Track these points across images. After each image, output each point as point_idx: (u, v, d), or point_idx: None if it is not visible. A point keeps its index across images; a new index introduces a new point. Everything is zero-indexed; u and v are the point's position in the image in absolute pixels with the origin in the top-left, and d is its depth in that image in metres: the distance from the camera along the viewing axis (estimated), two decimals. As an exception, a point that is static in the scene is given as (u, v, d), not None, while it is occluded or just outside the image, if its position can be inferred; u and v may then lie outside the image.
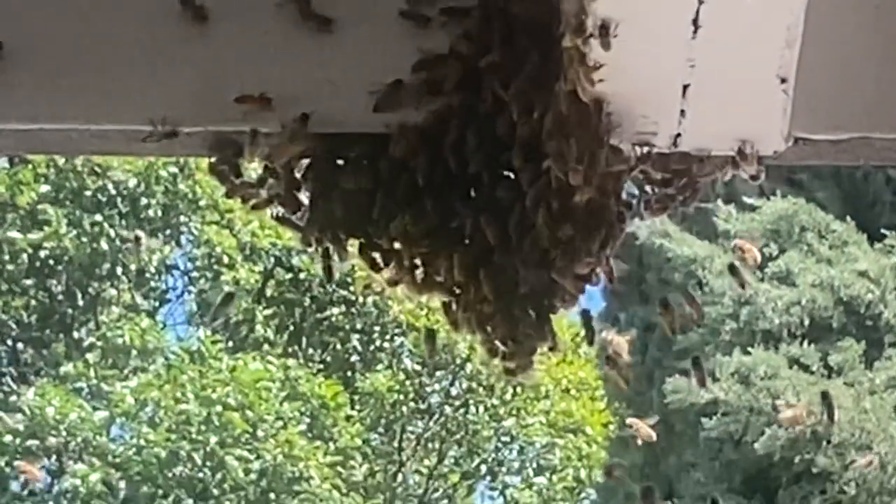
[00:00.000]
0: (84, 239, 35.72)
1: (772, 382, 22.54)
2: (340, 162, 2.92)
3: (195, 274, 37.79)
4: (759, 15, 2.67)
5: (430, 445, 36.57)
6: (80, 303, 36.14)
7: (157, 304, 37.78)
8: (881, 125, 2.92)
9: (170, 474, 33.47)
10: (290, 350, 35.55)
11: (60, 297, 36.33)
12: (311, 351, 35.93)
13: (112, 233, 36.04)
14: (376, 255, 2.93)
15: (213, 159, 3.03)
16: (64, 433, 34.01)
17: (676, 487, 22.67)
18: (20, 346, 36.88)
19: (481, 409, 36.09)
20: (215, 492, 33.66)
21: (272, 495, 33.88)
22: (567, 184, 2.74)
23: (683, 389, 23.04)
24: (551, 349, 2.75)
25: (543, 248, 2.78)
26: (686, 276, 22.60)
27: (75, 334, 35.79)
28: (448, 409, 36.46)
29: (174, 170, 32.73)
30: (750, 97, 2.74)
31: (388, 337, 35.55)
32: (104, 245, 35.51)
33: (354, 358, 35.98)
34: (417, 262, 2.87)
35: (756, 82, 2.71)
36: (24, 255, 35.55)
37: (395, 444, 36.30)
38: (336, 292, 34.86)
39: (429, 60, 3.06)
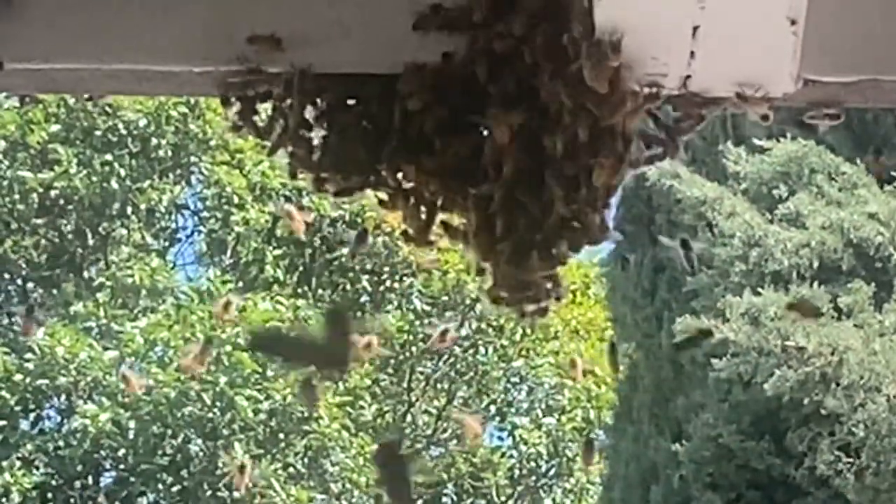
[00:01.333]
0: (94, 179, 35.54)
1: (781, 323, 23.00)
2: (351, 102, 2.90)
3: (205, 214, 37.58)
4: None
5: (438, 386, 36.35)
6: (91, 242, 35.99)
7: (167, 243, 37.65)
8: (891, 67, 2.91)
9: (179, 414, 33.32)
10: (299, 290, 35.31)
11: (70, 236, 36.20)
12: (320, 291, 35.70)
13: (122, 172, 35.91)
14: (386, 198, 2.97)
15: (226, 98, 3.00)
16: (74, 373, 33.89)
17: (685, 428, 22.59)
18: (30, 285, 36.69)
19: (490, 349, 35.91)
20: (224, 432, 33.53)
21: (281, 435, 33.68)
22: (577, 125, 2.75)
23: (692, 330, 23.02)
24: (555, 300, 2.76)
25: (555, 190, 2.79)
26: (696, 217, 22.49)
27: (85, 274, 35.63)
28: (457, 350, 36.20)
29: (184, 110, 32.76)
30: (760, 39, 2.72)
31: (397, 278, 35.33)
32: (114, 185, 35.30)
33: (364, 299, 35.76)
34: (425, 206, 2.90)
35: (766, 24, 2.69)
36: (35, 195, 35.35)
37: (405, 384, 36.05)
38: (346, 233, 34.75)
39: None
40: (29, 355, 34.37)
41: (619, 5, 2.70)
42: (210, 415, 33.33)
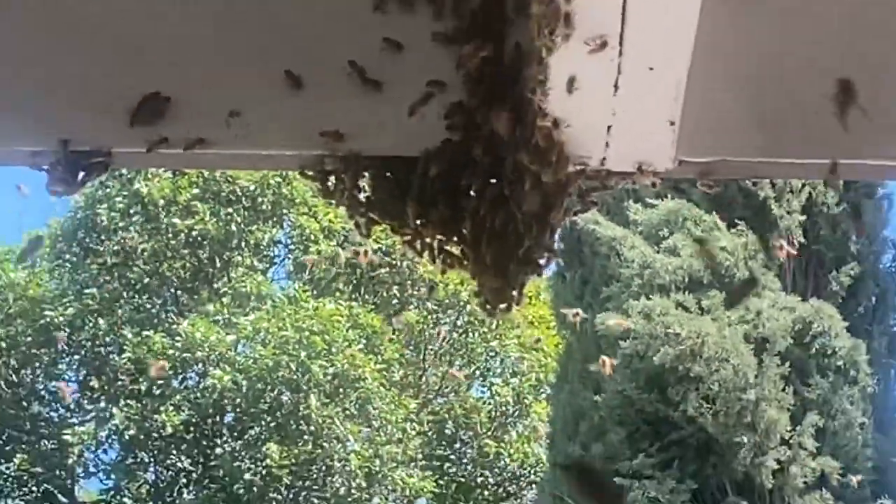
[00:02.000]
0: (221, 224, 35.58)
1: (664, 318, 22.07)
2: (388, 175, 2.89)
3: (292, 246, 37.54)
4: (657, 77, 2.70)
5: (442, 358, 36.69)
6: (218, 265, 35.77)
7: (267, 266, 37.36)
8: (734, 151, 2.93)
9: (275, 376, 33.33)
10: (353, 295, 35.64)
11: (205, 261, 36.05)
12: (367, 296, 36.01)
13: (238, 220, 35.95)
14: (409, 237, 2.90)
15: (306, 172, 3.16)
16: (206, 349, 33.79)
17: (602, 385, 22.43)
18: (179, 292, 36.44)
19: (476, 334, 36.15)
20: (304, 388, 33.57)
21: (341, 390, 33.74)
22: (534, 190, 2.80)
23: (607, 323, 23.31)
24: (517, 304, 2.87)
25: (520, 232, 2.83)
26: (609, 248, 22.58)
27: (215, 285, 35.45)
28: (455, 335, 36.61)
29: (279, 178, 32.72)
30: (651, 134, 2.79)
31: (416, 288, 35.51)
32: (233, 228, 35.60)
33: (394, 301, 36.04)
34: (434, 242, 2.87)
35: (654, 125, 2.78)
36: (182, 235, 35.23)
37: (421, 357, 36.24)
38: (384, 259, 35.15)
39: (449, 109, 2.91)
40: (178, 338, 34.22)
41: (561, 110, 2.74)
42: (294, 376, 33.31)
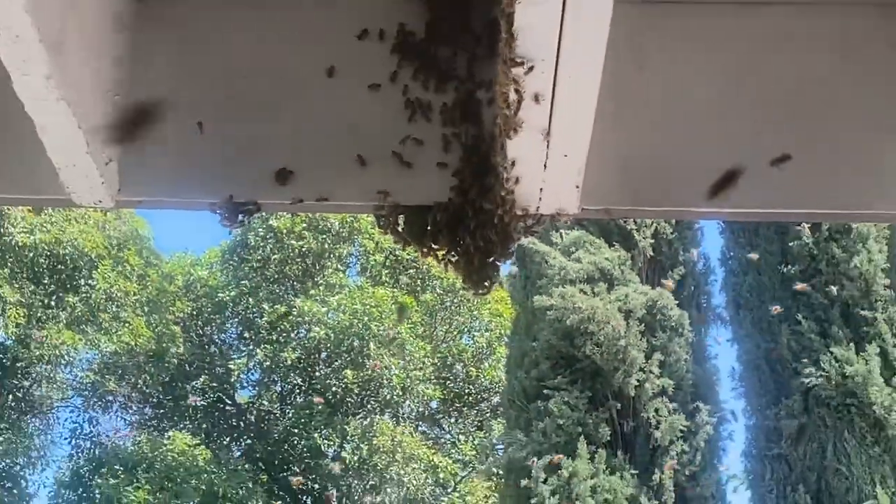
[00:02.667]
0: (319, 243, 35.03)
1: (572, 299, 22.15)
2: (412, 216, 2.72)
3: (359, 256, 36.71)
4: (570, 161, 2.63)
5: (443, 322, 36.13)
6: (317, 267, 35.19)
7: (345, 267, 36.06)
8: (613, 203, 2.81)
9: (349, 332, 32.93)
10: (394, 284, 34.90)
11: (310, 265, 35.21)
12: (402, 285, 35.29)
13: (327, 244, 35.49)
14: (425, 252, 2.73)
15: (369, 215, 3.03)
16: (310, 316, 33.97)
17: (538, 337, 22.23)
18: (295, 283, 36.00)
19: (464, 307, 35.56)
20: (366, 338, 33.15)
21: (387, 339, 33.46)
22: (499, 226, 2.69)
23: (541, 302, 23.44)
24: (489, 290, 2.83)
25: (491, 249, 2.73)
26: (540, 258, 22.18)
27: (315, 279, 34.84)
28: (452, 307, 36.15)
29: (352, 217, 32.46)
30: (565, 193, 2.69)
31: (431, 280, 34.79)
32: (326, 245, 35.19)
33: (418, 287, 35.43)
34: (440, 255, 2.72)
35: (567, 188, 2.67)
36: (296, 250, 35.24)
37: (433, 319, 35.62)
38: (412, 263, 34.77)
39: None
40: (294, 309, 33.92)
41: (513, 178, 2.69)
42: (360, 332, 32.86)
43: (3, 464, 31.99)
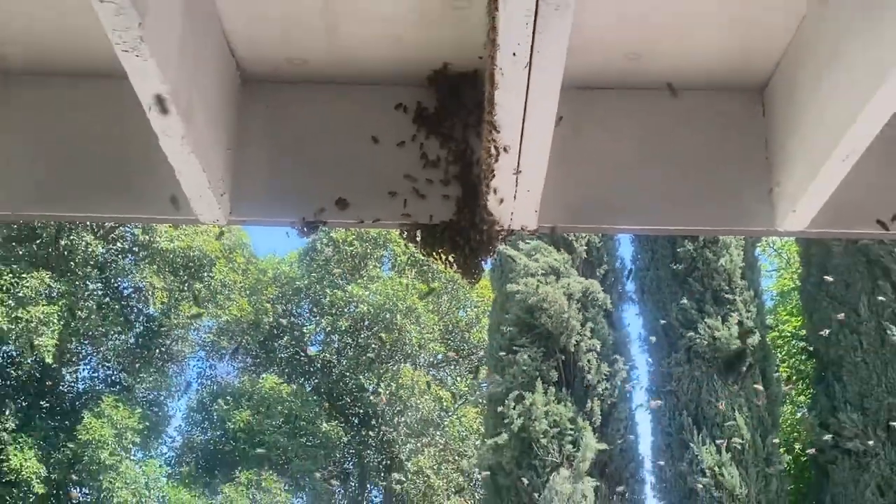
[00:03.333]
0: (363, 246, 34.56)
1: (533, 287, 22.10)
2: (427, 232, 2.70)
3: (390, 256, 35.91)
4: (531, 195, 2.54)
5: (446, 301, 35.53)
6: (361, 264, 35.20)
7: (380, 265, 35.43)
8: (561, 221, 2.73)
9: (384, 308, 32.58)
10: (413, 275, 34.32)
11: (357, 261, 34.88)
12: (418, 275, 34.63)
13: (369, 245, 34.99)
14: (434, 257, 2.69)
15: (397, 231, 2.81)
16: (356, 297, 33.48)
17: (508, 311, 22.59)
18: (347, 274, 35.84)
19: (460, 292, 34.81)
20: (394, 311, 32.94)
21: (409, 312, 33.20)
22: (483, 236, 2.66)
23: (509, 289, 22.93)
24: (478, 279, 2.76)
25: (479, 251, 2.69)
26: (510, 259, 21.78)
27: (360, 272, 34.45)
28: (449, 291, 35.58)
29: (386, 231, 32.37)
30: (528, 214, 2.57)
31: (440, 273, 34.15)
32: (367, 249, 34.71)
33: (430, 277, 34.90)
34: (443, 257, 2.67)
35: (528, 210, 2.57)
36: (348, 251, 35.36)
37: (439, 300, 35.13)
38: (425, 263, 34.20)
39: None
40: (346, 291, 33.60)
41: (491, 203, 2.61)
42: (392, 308, 32.70)
43: (152, 395, 32.06)
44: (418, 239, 2.75)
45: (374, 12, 2.50)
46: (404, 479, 34.54)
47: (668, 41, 2.60)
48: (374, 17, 2.51)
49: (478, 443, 30.65)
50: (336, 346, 35.84)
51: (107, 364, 31.48)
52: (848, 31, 2.26)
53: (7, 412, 26.62)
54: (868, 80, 2.18)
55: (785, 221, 2.65)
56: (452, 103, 2.72)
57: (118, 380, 30.96)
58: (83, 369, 31.69)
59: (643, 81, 2.72)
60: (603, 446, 21.13)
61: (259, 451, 30.77)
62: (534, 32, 1.99)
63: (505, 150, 2.36)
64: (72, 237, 28.07)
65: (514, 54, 2.05)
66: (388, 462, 35.85)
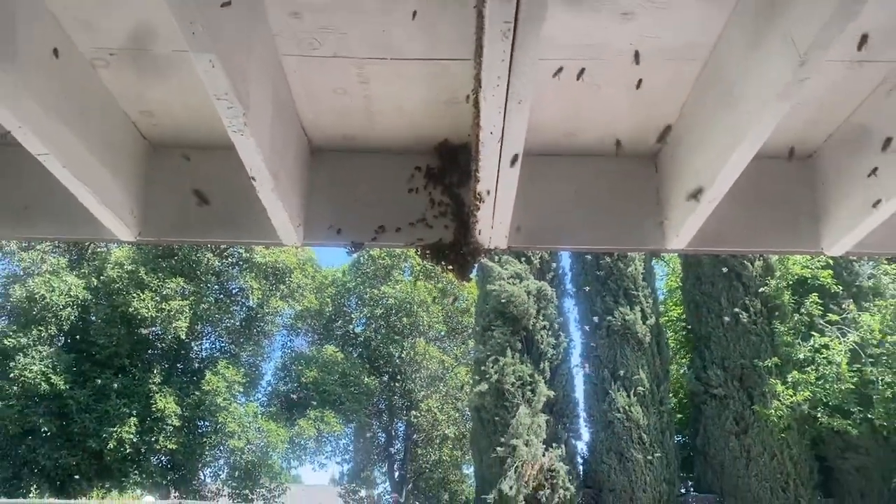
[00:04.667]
0: (389, 259, 34.32)
1: (506, 287, 22.49)
2: (431, 251, 2.63)
3: (410, 268, 35.90)
4: (505, 225, 2.48)
5: (447, 296, 35.15)
6: (390, 276, 35.17)
7: (403, 273, 36.19)
8: (522, 243, 2.64)
9: (406, 303, 32.24)
10: (426, 281, 34.03)
11: (387, 271, 35.52)
12: (429, 281, 34.40)
13: (393, 259, 34.49)
14: (439, 264, 2.64)
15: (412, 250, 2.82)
16: (386, 295, 33.23)
17: (487, 303, 22.93)
18: (377, 280, 36.24)
19: (456, 289, 34.19)
20: (410, 305, 32.60)
21: (424, 305, 32.84)
22: (471, 254, 2.64)
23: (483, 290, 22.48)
24: (468, 280, 2.70)
25: (469, 264, 2.63)
26: (489, 268, 21.86)
27: (388, 280, 35.06)
28: (449, 289, 35.12)
29: (409, 251, 30.91)
30: (501, 237, 2.51)
31: (440, 278, 33.87)
32: (391, 261, 34.27)
33: (437, 281, 34.81)
34: (443, 267, 2.60)
35: (502, 235, 2.49)
36: (374, 263, 35.63)
37: (443, 296, 34.78)
38: (433, 271, 33.49)
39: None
40: (378, 292, 32.95)
41: (476, 231, 2.54)
42: (409, 301, 32.31)
43: (252, 360, 31.92)
44: (428, 255, 2.70)
45: (398, 106, 2.48)
46: (419, 415, 34.40)
47: (593, 125, 2.58)
48: (398, 109, 2.50)
49: (468, 390, 30.74)
50: (374, 326, 35.73)
51: (221, 339, 31.38)
52: (713, 116, 2.25)
53: (155, 371, 27.07)
54: (725, 151, 2.17)
55: (671, 243, 2.63)
56: (451, 165, 2.69)
57: (229, 350, 30.84)
58: (205, 343, 31.61)
59: (576, 150, 2.70)
60: (551, 393, 21.08)
61: (322, 396, 30.71)
62: (504, 119, 1.99)
63: (487, 193, 2.34)
64: (198, 255, 28.06)
65: (491, 133, 2.05)
66: (408, 404, 35.67)
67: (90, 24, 2.14)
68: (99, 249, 27.02)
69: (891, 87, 2.27)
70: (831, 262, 19.43)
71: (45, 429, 24.76)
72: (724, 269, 22.08)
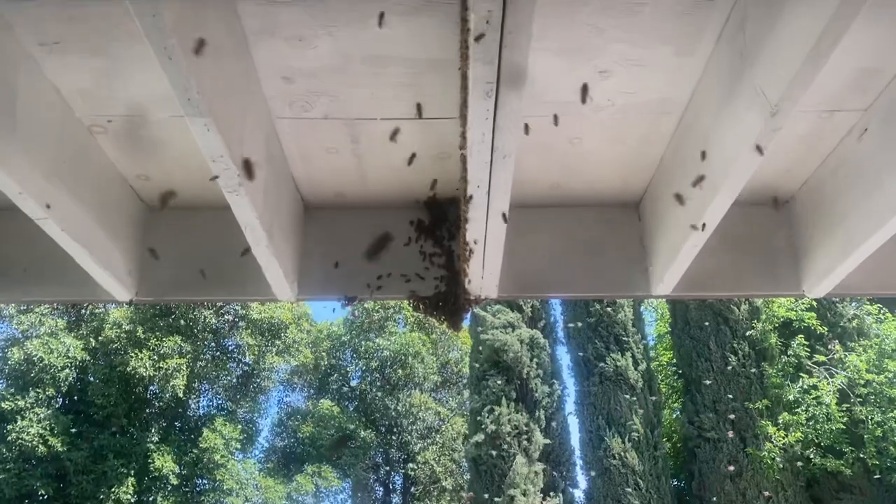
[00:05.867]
0: (384, 311, 34.05)
1: (495, 335, 22.78)
2: (423, 303, 2.61)
3: (405, 321, 36.16)
4: (494, 275, 2.45)
5: (440, 346, 34.66)
6: (384, 328, 34.82)
7: (397, 324, 35.50)
8: (512, 292, 2.64)
9: (405, 348, 31.85)
10: (419, 332, 33.63)
11: (385, 321, 35.07)
12: (423, 331, 33.96)
13: (389, 310, 34.18)
14: (432, 314, 2.65)
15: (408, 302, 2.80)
16: (390, 343, 32.78)
17: (481, 347, 22.40)
18: (379, 330, 35.76)
19: (449, 339, 34.09)
20: (411, 349, 32.14)
21: (417, 349, 32.34)
22: (464, 302, 2.62)
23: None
24: (459, 329, 2.65)
25: (461, 312, 2.63)
26: (481, 317, 21.55)
27: (384, 329, 34.68)
28: (442, 339, 34.69)
29: (403, 303, 31.17)
30: (490, 287, 2.49)
31: (437, 327, 33.54)
32: (388, 312, 33.97)
33: (431, 331, 34.34)
34: (435, 317, 2.61)
35: (491, 285, 2.47)
36: (375, 312, 35.18)
37: (436, 346, 34.35)
38: (427, 321, 32.96)
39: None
40: (383, 342, 32.58)
41: (467, 282, 2.52)
42: (410, 347, 31.81)
43: (248, 416, 31.43)
44: (422, 307, 2.68)
45: (388, 164, 2.50)
46: (416, 467, 33.72)
47: (577, 178, 2.60)
48: (388, 167, 2.52)
49: (464, 441, 30.19)
50: (369, 379, 35.14)
51: (218, 396, 30.92)
52: (690, 166, 2.28)
53: (153, 430, 26.61)
54: (702, 202, 2.19)
55: (657, 289, 2.63)
56: (440, 219, 2.69)
57: (226, 407, 30.38)
58: (203, 400, 31.16)
59: (561, 202, 2.71)
60: (547, 441, 20.76)
61: (319, 451, 30.15)
62: (490, 172, 2.01)
63: (475, 245, 2.34)
64: (195, 312, 27.83)
65: (478, 186, 2.06)
66: (405, 456, 34.98)
67: (89, 93, 2.16)
68: (97, 310, 26.82)
69: (860, 134, 2.31)
70: (815, 304, 19.44)
71: (43, 492, 24.22)
72: (711, 313, 22.07)
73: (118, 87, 2.14)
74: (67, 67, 2.06)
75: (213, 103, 1.80)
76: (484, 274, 2.47)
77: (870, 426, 16.86)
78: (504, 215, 2.19)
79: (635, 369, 21.68)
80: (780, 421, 18.53)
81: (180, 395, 26.24)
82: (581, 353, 22.15)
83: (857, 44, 1.99)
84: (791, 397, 18.46)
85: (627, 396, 21.34)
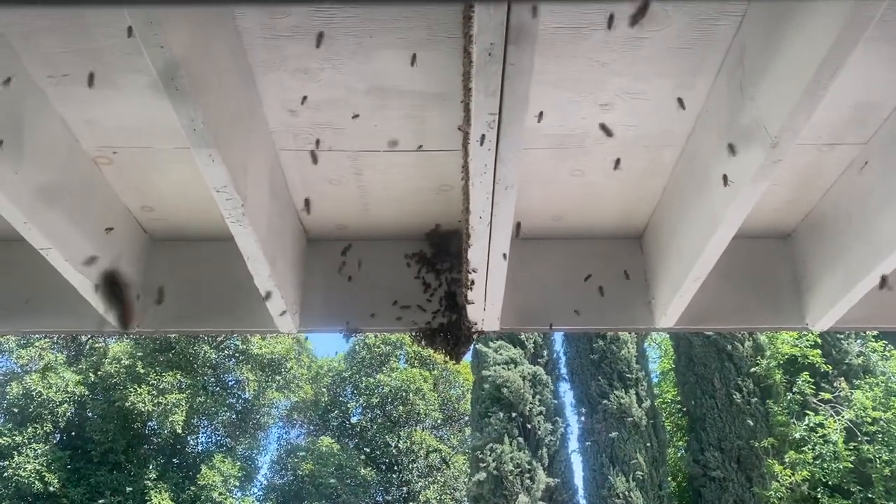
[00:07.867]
0: (387, 348, 33.81)
1: (496, 372, 22.61)
2: (423, 334, 2.60)
3: (404, 354, 35.77)
4: (496, 307, 2.43)
5: (441, 382, 34.40)
6: (386, 364, 34.56)
7: (397, 360, 35.48)
8: (514, 325, 2.66)
9: (408, 382, 31.68)
10: (420, 367, 33.43)
11: (383, 358, 34.88)
12: (424, 366, 33.80)
13: (390, 345, 34.01)
14: (432, 348, 2.64)
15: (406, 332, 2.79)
16: (390, 378, 32.60)
17: (484, 381, 21.87)
18: (376, 362, 35.28)
19: (451, 375, 34.00)
20: (413, 384, 31.91)
21: (418, 384, 32.10)
22: (465, 334, 2.61)
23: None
24: (460, 362, 2.68)
25: (462, 346, 2.62)
26: (482, 352, 21.37)
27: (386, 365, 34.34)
28: (444, 375, 34.40)
29: (403, 336, 32.17)
30: (493, 320, 2.50)
31: (437, 363, 33.42)
32: (391, 348, 33.85)
33: (431, 366, 34.08)
34: (435, 349, 2.62)
35: (493, 318, 2.48)
36: (376, 349, 35.08)
37: (437, 383, 34.07)
38: (429, 357, 32.79)
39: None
40: (385, 378, 32.34)
41: (468, 310, 2.46)
42: (412, 380, 31.55)
43: (248, 453, 31.13)
44: (422, 341, 2.66)
45: (391, 196, 2.51)
46: (417, 506, 33.33)
47: (578, 210, 2.60)
48: (390, 199, 2.53)
49: (466, 480, 29.81)
50: (370, 416, 34.89)
51: (217, 432, 30.66)
52: (692, 199, 2.28)
53: (150, 466, 26.37)
54: (705, 232, 2.19)
55: (660, 322, 2.61)
56: (442, 250, 2.69)
57: (225, 443, 30.12)
58: (201, 436, 30.88)
59: (563, 234, 2.71)
60: (550, 480, 20.48)
61: (318, 489, 29.76)
62: (492, 203, 2.00)
63: (477, 276, 2.33)
64: (195, 347, 27.74)
65: (480, 217, 2.06)
66: (406, 495, 34.52)
67: (95, 124, 2.18)
68: (97, 345, 26.75)
69: (861, 167, 2.31)
70: (819, 341, 19.31)
71: (38, 530, 23.90)
72: (715, 349, 21.93)
73: (125, 117, 2.15)
74: (74, 98, 2.08)
75: (217, 134, 1.81)
76: (486, 305, 2.46)
77: (878, 465, 16.62)
78: (505, 245, 2.19)
79: (639, 406, 21.47)
80: (787, 459, 18.29)
81: (179, 430, 26.02)
82: (585, 391, 21.99)
83: (856, 77, 2.00)
84: (797, 435, 18.24)
85: (631, 434, 21.11)
